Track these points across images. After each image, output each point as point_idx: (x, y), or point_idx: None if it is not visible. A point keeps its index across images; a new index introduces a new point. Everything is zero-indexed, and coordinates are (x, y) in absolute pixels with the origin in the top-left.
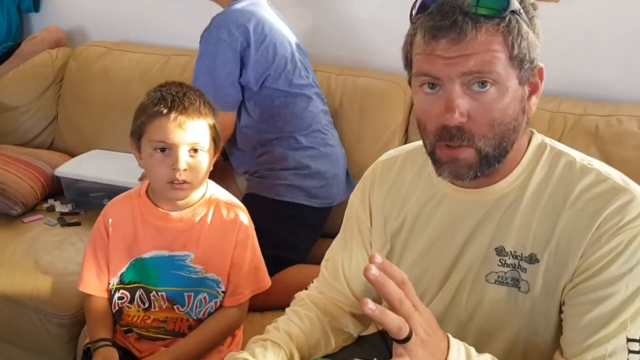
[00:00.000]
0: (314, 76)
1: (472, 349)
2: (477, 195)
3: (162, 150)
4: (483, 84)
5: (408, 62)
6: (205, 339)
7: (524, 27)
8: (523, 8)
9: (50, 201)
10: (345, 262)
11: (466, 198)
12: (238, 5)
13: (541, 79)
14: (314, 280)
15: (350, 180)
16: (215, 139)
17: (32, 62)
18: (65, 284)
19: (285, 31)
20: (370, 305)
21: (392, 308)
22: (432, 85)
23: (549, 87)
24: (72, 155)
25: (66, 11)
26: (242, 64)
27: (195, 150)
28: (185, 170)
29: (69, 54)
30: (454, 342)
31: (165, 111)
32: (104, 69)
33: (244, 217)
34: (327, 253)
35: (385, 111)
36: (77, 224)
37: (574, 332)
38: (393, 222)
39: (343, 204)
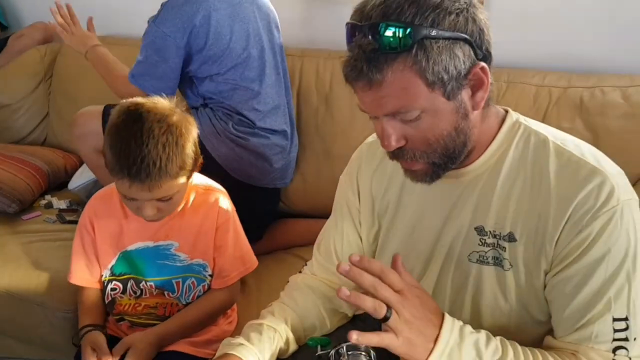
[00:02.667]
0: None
1: (468, 326)
2: (452, 177)
3: (129, 198)
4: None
5: None
6: (190, 319)
7: (435, 50)
8: (436, 25)
9: (48, 197)
10: (337, 242)
11: (441, 180)
12: None
13: (486, 74)
14: (307, 263)
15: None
16: (192, 168)
17: (21, 60)
18: (67, 278)
19: (245, 18)
20: (344, 292)
21: (369, 294)
22: (371, 115)
23: (533, 61)
24: (66, 150)
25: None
26: (187, 57)
27: (165, 199)
28: (154, 213)
29: (57, 50)
30: (448, 319)
31: (126, 180)
32: None
33: (224, 200)
34: (319, 235)
35: None
36: (77, 221)
37: (561, 316)
38: (380, 203)
39: None
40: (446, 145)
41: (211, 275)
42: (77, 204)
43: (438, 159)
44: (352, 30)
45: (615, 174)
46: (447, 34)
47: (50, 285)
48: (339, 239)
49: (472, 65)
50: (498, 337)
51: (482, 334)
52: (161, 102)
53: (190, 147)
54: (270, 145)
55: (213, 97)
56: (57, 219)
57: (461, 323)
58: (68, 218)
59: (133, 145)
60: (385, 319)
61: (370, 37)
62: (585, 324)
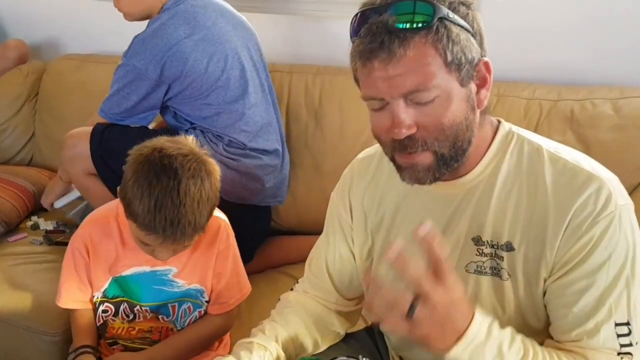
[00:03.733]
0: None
1: (496, 322)
2: (448, 187)
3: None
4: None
5: (356, 81)
6: (184, 343)
7: (454, 31)
8: (452, 10)
9: (34, 218)
10: (329, 259)
11: (438, 191)
12: (165, 18)
13: (489, 71)
14: (298, 281)
15: None
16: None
17: (4, 80)
18: (54, 302)
19: (221, 39)
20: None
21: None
22: (380, 106)
23: (523, 74)
24: (53, 170)
25: (35, 23)
26: (165, 87)
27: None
28: (171, 255)
29: (41, 68)
30: (478, 315)
31: (156, 237)
32: (79, 82)
33: (224, 227)
34: (311, 252)
35: (365, 107)
36: (65, 243)
37: (563, 323)
38: (373, 219)
39: None
40: (456, 135)
41: (207, 301)
42: (65, 225)
43: (447, 150)
44: (366, 15)
45: (610, 179)
46: (461, 22)
47: (37, 308)
48: (331, 256)
49: (479, 58)
50: (519, 336)
51: (507, 333)
52: (185, 145)
53: (216, 188)
54: (263, 166)
55: (198, 122)
56: (44, 241)
57: (491, 318)
58: (55, 239)
59: (170, 206)
60: (412, 310)
61: (391, 12)
62: (590, 330)
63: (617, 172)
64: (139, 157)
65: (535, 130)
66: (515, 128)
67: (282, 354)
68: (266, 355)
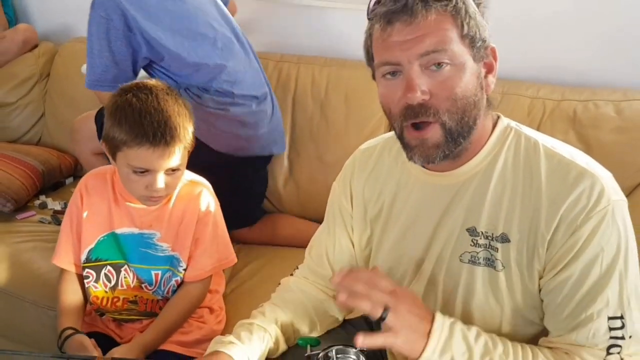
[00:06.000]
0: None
1: (458, 322)
2: (445, 178)
3: (141, 172)
4: (439, 64)
5: (370, 57)
6: (171, 322)
7: (471, 7)
8: None
9: (42, 197)
10: (329, 247)
11: (435, 181)
12: None
13: (495, 58)
14: (298, 267)
15: None
16: (191, 144)
17: (18, 60)
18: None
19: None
20: (342, 296)
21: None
22: (393, 73)
23: (527, 73)
24: (61, 150)
25: (50, 6)
26: (137, 46)
27: (174, 170)
28: (163, 188)
29: (54, 50)
30: (439, 315)
31: (147, 146)
32: None
33: (207, 193)
34: (311, 240)
35: (370, 100)
36: None
37: (559, 318)
38: (372, 208)
39: None
40: (465, 109)
41: (184, 270)
42: None
43: (454, 124)
44: None
45: (604, 176)
46: (475, 5)
47: (42, 284)
48: (331, 244)
49: (488, 42)
50: (488, 333)
51: (473, 330)
52: (157, 82)
53: (191, 121)
54: (254, 113)
55: (179, 80)
56: (52, 221)
57: (452, 319)
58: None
59: (154, 112)
60: (382, 318)
61: None
62: (581, 324)
63: (618, 173)
64: (117, 94)
65: (538, 129)
66: (513, 123)
67: (281, 336)
68: (266, 336)
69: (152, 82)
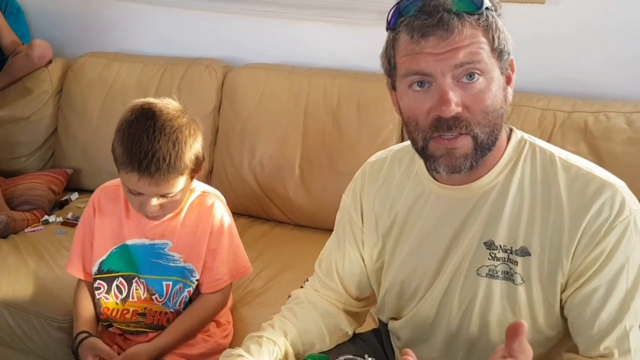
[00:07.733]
0: None
1: None
2: (462, 191)
3: (134, 193)
4: (471, 75)
5: (392, 67)
6: (189, 327)
7: (499, 21)
8: (493, 6)
9: (45, 216)
10: (338, 261)
11: (451, 194)
12: None
13: (513, 70)
14: (308, 279)
15: None
16: (196, 168)
17: (32, 76)
18: (64, 288)
19: None
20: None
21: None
22: (421, 83)
23: (538, 85)
24: (72, 167)
25: (61, 21)
26: None
27: (166, 196)
28: (157, 209)
29: (67, 65)
30: None
31: (135, 173)
32: (102, 80)
33: (219, 205)
34: (321, 253)
35: (382, 110)
36: None
37: (589, 332)
38: (384, 221)
39: None
40: (495, 122)
41: (198, 280)
42: (76, 219)
43: (485, 136)
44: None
45: (622, 185)
46: (500, 20)
47: (47, 295)
48: (340, 258)
49: (511, 55)
50: None
51: None
52: (172, 104)
53: (196, 148)
54: None
55: None
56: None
57: None
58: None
59: (145, 141)
60: None
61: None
62: (619, 338)
63: (630, 184)
64: (128, 109)
65: (549, 140)
66: (527, 136)
67: (291, 350)
68: (275, 349)
69: (163, 104)
